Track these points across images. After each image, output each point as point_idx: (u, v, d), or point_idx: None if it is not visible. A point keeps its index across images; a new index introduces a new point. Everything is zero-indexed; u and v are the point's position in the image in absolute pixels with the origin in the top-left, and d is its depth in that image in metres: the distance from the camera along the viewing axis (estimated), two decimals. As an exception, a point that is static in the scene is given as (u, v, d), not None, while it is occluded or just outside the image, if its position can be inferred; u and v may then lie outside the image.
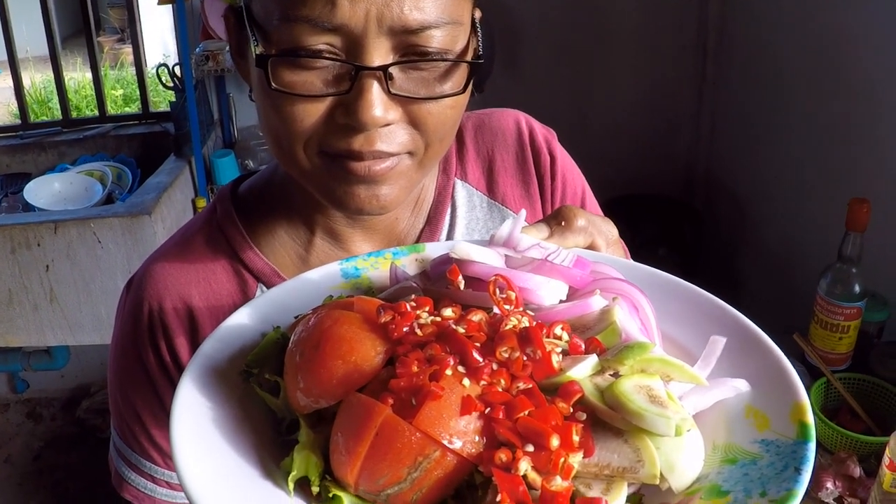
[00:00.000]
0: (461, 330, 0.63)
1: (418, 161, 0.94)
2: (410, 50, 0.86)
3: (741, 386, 0.70)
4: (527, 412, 0.59)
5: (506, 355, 0.63)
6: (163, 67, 3.36)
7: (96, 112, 3.94)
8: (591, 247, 0.93)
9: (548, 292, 0.72)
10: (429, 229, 1.16)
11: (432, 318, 0.65)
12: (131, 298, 1.10)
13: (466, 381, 0.61)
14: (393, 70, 0.86)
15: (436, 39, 0.86)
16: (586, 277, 0.78)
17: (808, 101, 2.94)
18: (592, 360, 0.65)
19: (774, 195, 3.21)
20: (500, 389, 0.61)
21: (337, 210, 1.00)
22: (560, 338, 0.67)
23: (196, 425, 0.67)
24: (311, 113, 0.88)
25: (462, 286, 0.71)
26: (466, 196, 1.19)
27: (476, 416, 0.59)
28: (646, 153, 3.66)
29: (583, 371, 0.64)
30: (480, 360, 0.61)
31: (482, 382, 0.61)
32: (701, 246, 3.65)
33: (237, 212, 1.12)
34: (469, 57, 0.92)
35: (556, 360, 0.64)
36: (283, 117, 0.89)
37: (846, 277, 2.13)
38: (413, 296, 0.71)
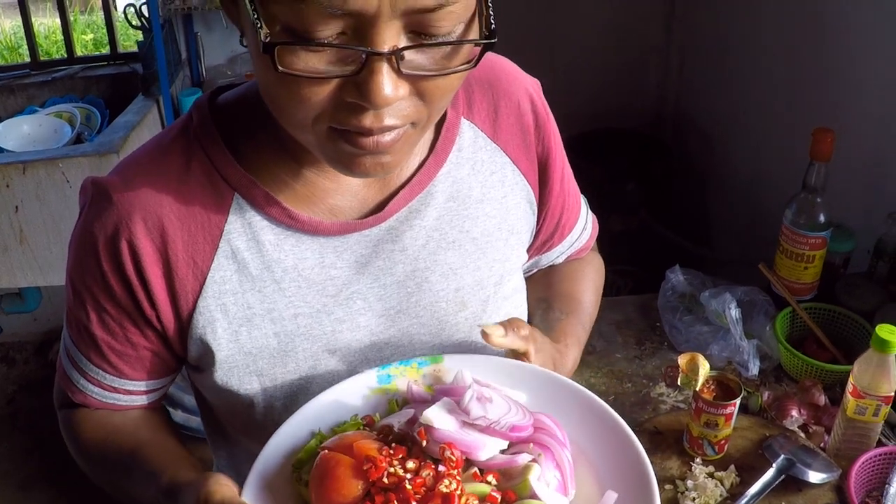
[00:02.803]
0: (408, 487, 0.89)
1: (420, 128, 0.95)
2: (422, 28, 0.84)
3: None
4: None
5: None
6: (130, 7, 3.33)
7: (65, 55, 3.90)
8: (526, 354, 1.10)
9: (485, 452, 0.96)
10: (433, 160, 1.16)
11: (396, 470, 0.91)
12: (100, 203, 1.07)
13: None
14: (403, 51, 0.84)
15: (451, 16, 0.84)
16: (521, 437, 0.98)
17: (775, 33, 2.96)
18: None
19: (742, 128, 3.24)
20: None
21: (341, 174, 1.00)
22: (490, 484, 0.92)
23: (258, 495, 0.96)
24: (318, 92, 0.86)
25: (426, 443, 0.96)
26: (472, 136, 1.19)
27: None
28: (614, 89, 3.66)
29: None
30: None
31: None
32: (670, 180, 3.68)
33: (215, 122, 1.09)
34: (482, 29, 0.90)
35: None
36: (290, 96, 0.88)
37: (811, 207, 2.15)
38: (394, 444, 0.97)
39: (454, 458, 0.93)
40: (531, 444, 0.98)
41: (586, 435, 1.02)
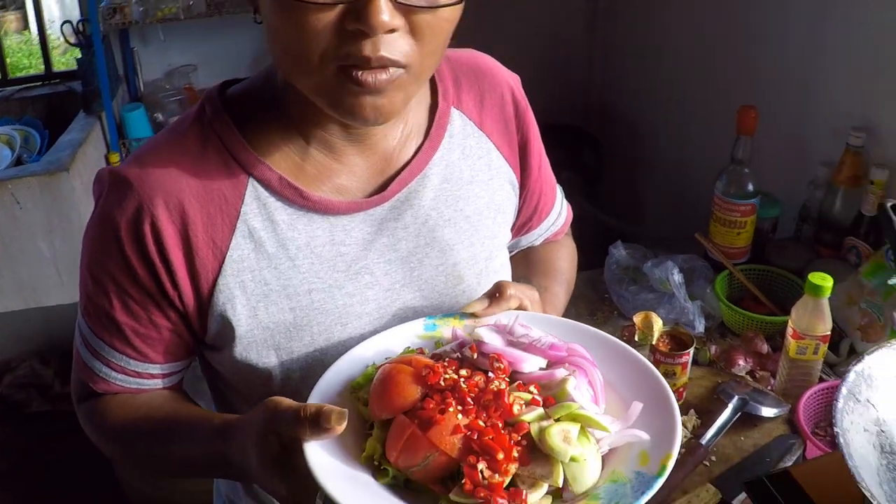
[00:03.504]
0: (464, 386, 1.00)
1: (414, 74, 1.04)
2: None
3: (642, 436, 1.01)
4: (489, 437, 0.95)
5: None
6: (67, 24, 3.34)
7: (-1, 77, 3.89)
8: (521, 306, 1.22)
9: (528, 364, 1.07)
10: (428, 145, 1.26)
11: (451, 375, 1.02)
12: (120, 191, 1.12)
13: (460, 416, 0.97)
14: None
15: None
16: (559, 355, 1.10)
17: (694, 23, 3.14)
18: (539, 410, 1.00)
19: (667, 113, 3.42)
20: (480, 422, 0.97)
21: (342, 118, 1.07)
22: (532, 392, 1.02)
23: None
24: (323, 21, 0.96)
25: (476, 356, 1.08)
26: (461, 124, 1.30)
27: (461, 436, 0.96)
28: (544, 86, 3.74)
29: (530, 416, 0.99)
30: (471, 404, 0.98)
31: (470, 417, 0.97)
32: (601, 168, 3.84)
33: (227, 111, 1.16)
34: None
35: (516, 408, 0.99)
36: (298, 28, 0.97)
37: (740, 178, 2.33)
38: (447, 359, 1.08)
39: (502, 366, 1.04)
40: (566, 364, 1.08)
41: (608, 365, 1.13)
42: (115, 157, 3.23)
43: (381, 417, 1.01)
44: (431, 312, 1.26)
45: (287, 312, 1.18)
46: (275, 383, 1.21)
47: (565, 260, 1.58)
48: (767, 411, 1.77)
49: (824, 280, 1.73)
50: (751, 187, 2.33)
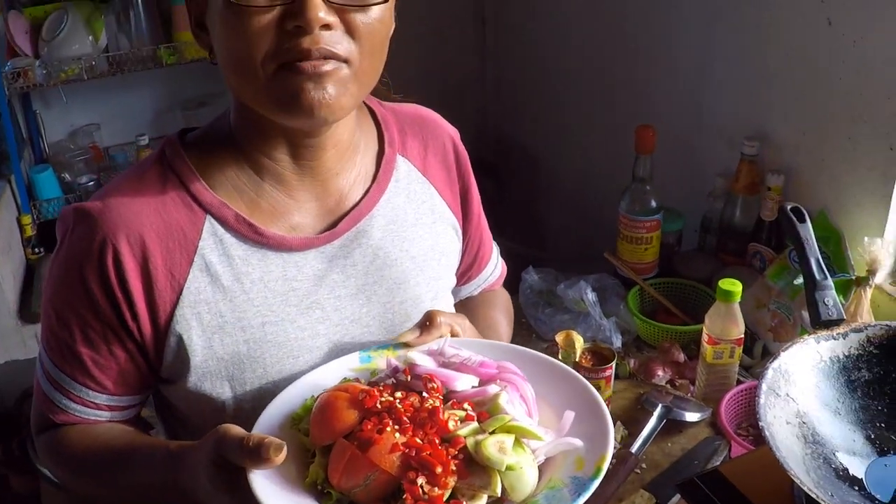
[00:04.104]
0: (399, 407, 1.04)
1: (354, 72, 1.12)
2: None
3: (576, 443, 1.06)
4: (427, 453, 0.98)
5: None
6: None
7: None
8: (452, 333, 1.27)
9: (461, 383, 1.11)
10: (376, 188, 1.33)
11: (387, 398, 1.05)
12: (85, 227, 1.18)
13: (398, 435, 1.00)
14: None
15: None
16: (490, 373, 1.15)
17: (585, 52, 3.21)
18: (474, 425, 1.04)
19: (566, 138, 3.49)
20: (417, 439, 1.00)
21: (287, 115, 1.13)
22: (465, 409, 1.06)
23: None
24: (263, 22, 1.06)
25: (410, 378, 1.13)
26: (407, 170, 1.39)
27: (399, 454, 0.99)
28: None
29: (465, 431, 1.03)
30: (407, 423, 1.02)
31: (408, 435, 1.00)
32: (502, 198, 3.90)
33: (186, 154, 1.24)
34: None
35: (451, 424, 1.03)
36: (242, 31, 1.06)
37: (642, 195, 2.39)
38: (382, 384, 1.12)
39: (436, 386, 1.09)
40: (498, 381, 1.13)
41: (538, 379, 1.17)
42: (26, 219, 3.20)
43: (322, 443, 1.04)
44: None
45: (241, 344, 1.24)
46: (227, 414, 1.26)
47: (503, 313, 1.68)
48: (691, 416, 1.82)
49: (734, 286, 1.80)
50: (653, 203, 2.39)
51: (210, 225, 1.22)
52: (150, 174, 1.23)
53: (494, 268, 1.66)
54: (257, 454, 0.97)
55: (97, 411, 1.27)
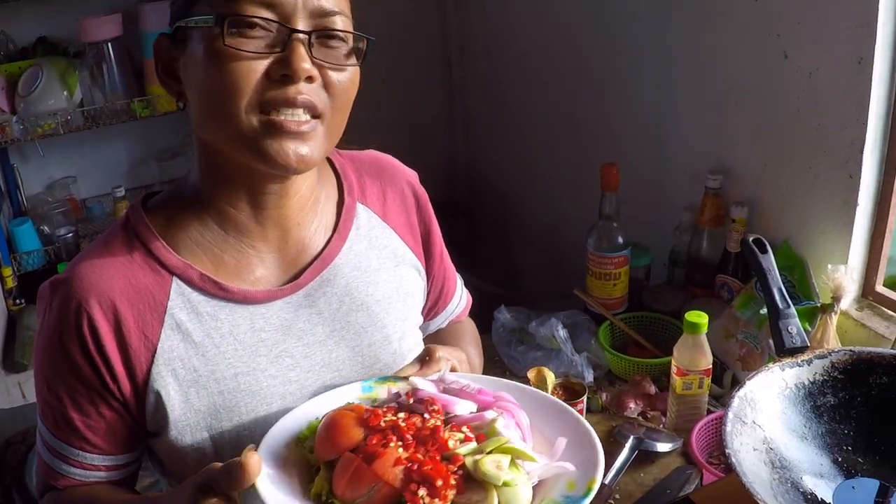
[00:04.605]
0: (403, 425, 1.09)
1: (327, 126, 1.18)
2: (323, 31, 1.14)
3: (569, 467, 1.10)
4: (428, 467, 1.03)
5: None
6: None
7: None
8: (452, 368, 1.29)
9: (460, 407, 1.16)
10: (337, 237, 1.37)
11: (391, 417, 1.11)
12: (59, 296, 1.22)
13: (401, 450, 1.05)
14: (313, 40, 1.13)
15: (339, 23, 1.15)
16: (487, 400, 1.19)
17: (550, 92, 3.25)
18: (473, 444, 1.09)
19: (533, 178, 3.53)
20: (419, 455, 1.05)
21: (265, 164, 1.16)
22: (462, 431, 1.10)
23: (269, 465, 1.10)
24: (252, 70, 1.11)
25: (412, 401, 1.18)
26: (367, 217, 1.42)
27: (402, 467, 1.03)
28: (407, 162, 3.87)
29: (465, 450, 1.07)
30: (410, 439, 1.07)
31: (410, 451, 1.05)
32: (472, 238, 3.93)
33: (148, 217, 1.27)
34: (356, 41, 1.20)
35: (451, 443, 1.07)
36: (230, 76, 1.11)
37: (609, 232, 2.43)
38: (385, 406, 1.18)
39: (437, 407, 1.14)
40: (495, 407, 1.18)
41: (531, 409, 1.21)
42: (7, 271, 3.22)
43: (327, 458, 1.09)
44: None
45: (216, 395, 1.27)
46: (209, 462, 1.25)
47: (469, 330, 1.71)
48: (663, 447, 1.85)
49: (700, 317, 1.83)
50: (621, 240, 2.43)
51: (177, 286, 1.25)
52: (116, 241, 1.27)
53: (460, 300, 1.68)
54: (236, 464, 1.00)
55: (96, 472, 1.30)
